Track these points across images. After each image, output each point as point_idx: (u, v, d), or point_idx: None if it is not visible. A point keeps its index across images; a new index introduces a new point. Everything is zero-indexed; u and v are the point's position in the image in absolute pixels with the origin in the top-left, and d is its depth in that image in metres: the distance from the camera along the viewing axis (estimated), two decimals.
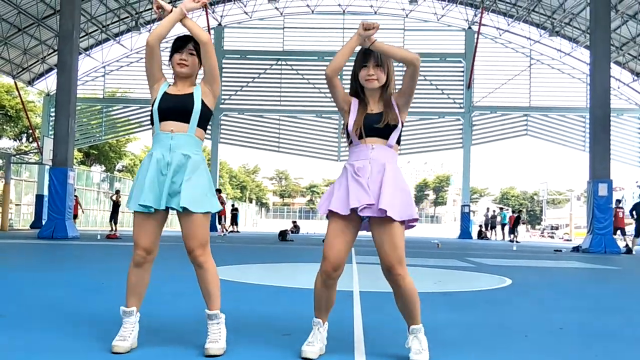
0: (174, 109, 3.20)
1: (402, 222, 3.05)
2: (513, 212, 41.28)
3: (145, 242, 3.16)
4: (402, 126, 3.18)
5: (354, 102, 3.24)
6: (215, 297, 3.20)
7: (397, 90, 3.25)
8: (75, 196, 24.30)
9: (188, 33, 3.38)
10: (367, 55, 3.16)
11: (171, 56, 3.31)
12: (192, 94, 3.25)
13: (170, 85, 3.34)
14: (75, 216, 24.07)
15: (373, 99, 3.21)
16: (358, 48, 3.21)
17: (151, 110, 3.27)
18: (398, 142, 3.19)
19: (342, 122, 3.28)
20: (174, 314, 4.41)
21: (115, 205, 25.60)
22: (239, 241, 18.91)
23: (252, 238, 23.37)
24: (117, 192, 27.07)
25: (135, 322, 3.21)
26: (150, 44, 3.31)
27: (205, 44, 3.25)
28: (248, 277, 7.08)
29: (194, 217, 3.13)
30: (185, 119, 3.20)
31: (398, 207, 3.00)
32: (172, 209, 3.17)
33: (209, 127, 25.45)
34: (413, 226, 3.13)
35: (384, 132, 3.11)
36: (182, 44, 3.31)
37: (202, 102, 3.24)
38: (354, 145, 3.17)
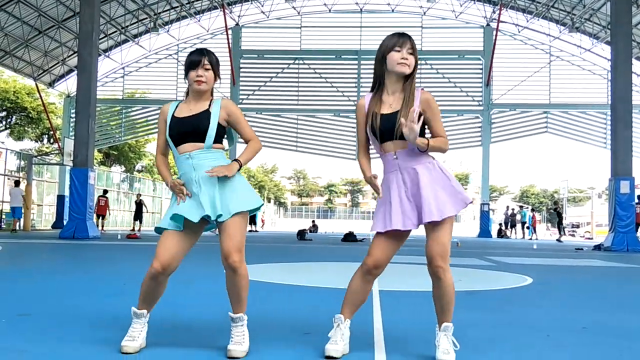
0: (187, 132, 3.15)
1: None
2: (533, 209, 40.88)
3: (164, 257, 3.08)
4: (423, 127, 3.07)
5: (367, 100, 3.16)
6: (243, 302, 3.17)
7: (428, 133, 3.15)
8: (106, 197, 24.68)
9: (200, 47, 3.35)
10: (403, 38, 3.05)
11: (187, 73, 3.21)
12: (207, 111, 3.19)
13: (180, 103, 3.28)
14: (103, 216, 24.50)
15: (394, 88, 3.10)
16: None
17: (165, 139, 3.25)
18: (422, 133, 3.07)
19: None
20: (192, 313, 4.43)
21: (139, 206, 25.97)
22: (258, 240, 18.97)
23: (271, 237, 23.43)
24: (139, 194, 27.65)
25: (145, 323, 3.19)
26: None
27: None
28: (268, 277, 7.09)
29: (231, 219, 3.08)
30: (200, 139, 3.14)
31: (440, 207, 3.00)
32: (209, 219, 3.13)
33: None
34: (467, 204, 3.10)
35: (401, 135, 3.03)
36: (196, 59, 3.19)
37: (218, 122, 3.18)
38: (373, 145, 3.16)
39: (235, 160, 3.16)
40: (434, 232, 3.03)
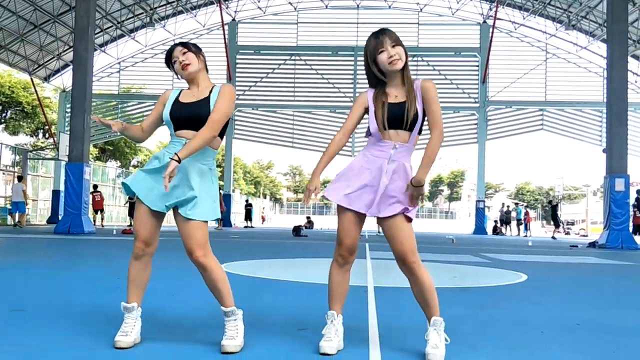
0: (188, 118, 3.15)
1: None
2: (527, 206, 40.96)
3: (144, 233, 3.14)
4: (424, 117, 3.08)
5: (369, 94, 3.17)
6: (226, 294, 3.13)
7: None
8: (99, 191, 24.73)
9: (176, 42, 3.43)
10: (381, 37, 3.07)
11: (172, 67, 3.29)
12: (208, 98, 3.18)
13: (182, 90, 3.30)
14: (101, 210, 24.55)
15: (395, 83, 3.11)
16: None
17: (153, 119, 3.27)
18: (420, 131, 3.11)
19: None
20: (188, 308, 4.43)
21: (132, 204, 25.97)
22: (253, 236, 18.97)
23: (266, 233, 23.43)
24: None
25: (137, 317, 3.18)
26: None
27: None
28: (263, 272, 7.10)
29: (191, 221, 3.08)
30: (200, 126, 3.13)
31: (408, 202, 3.04)
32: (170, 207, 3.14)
33: None
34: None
35: (406, 124, 3.05)
36: (170, 51, 3.29)
37: None
38: (374, 137, 3.10)
39: (174, 155, 3.01)
40: (400, 230, 3.03)
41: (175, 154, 2.98)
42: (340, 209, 3.10)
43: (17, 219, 21.76)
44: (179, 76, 3.28)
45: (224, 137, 3.37)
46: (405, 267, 3.06)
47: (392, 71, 3.07)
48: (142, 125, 3.38)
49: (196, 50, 3.28)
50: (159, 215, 3.17)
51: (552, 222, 29.33)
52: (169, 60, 3.28)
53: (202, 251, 3.07)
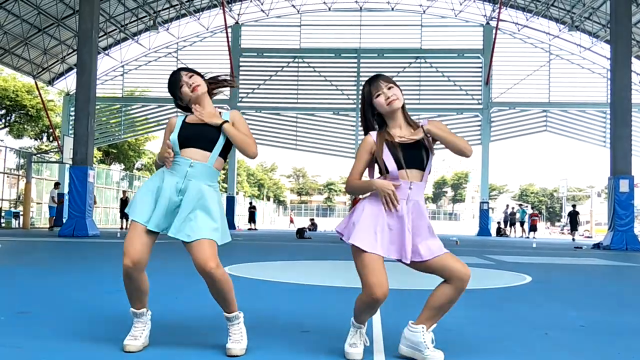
0: (194, 136, 3.15)
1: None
2: (533, 208, 40.88)
3: (134, 253, 3.02)
4: (433, 154, 3.09)
5: (374, 138, 3.10)
6: (231, 302, 3.10)
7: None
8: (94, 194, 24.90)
9: (178, 68, 3.40)
10: (375, 83, 3.08)
11: (177, 95, 3.27)
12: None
13: (187, 115, 3.28)
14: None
15: (397, 123, 3.10)
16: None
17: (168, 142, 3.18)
18: (428, 157, 3.09)
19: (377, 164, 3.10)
20: (191, 310, 4.44)
21: (124, 203, 26.14)
22: (257, 239, 18.98)
23: (270, 236, 23.44)
24: (125, 191, 28.53)
25: (147, 321, 3.18)
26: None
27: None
28: (266, 275, 7.10)
29: (200, 241, 3.03)
30: (209, 147, 3.13)
31: (431, 248, 3.04)
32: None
33: None
34: None
35: (421, 163, 3.04)
36: (175, 77, 3.27)
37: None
38: (390, 178, 3.02)
39: (225, 122, 3.17)
40: (445, 259, 3.05)
41: (226, 121, 3.17)
42: (366, 254, 2.96)
43: (52, 222, 23.52)
44: (184, 102, 3.28)
45: (227, 159, 3.38)
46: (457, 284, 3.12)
47: (392, 111, 3.07)
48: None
49: (199, 73, 3.32)
50: (153, 236, 3.11)
51: (569, 227, 29.64)
52: (175, 86, 3.25)
53: (214, 262, 3.00)
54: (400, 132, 3.08)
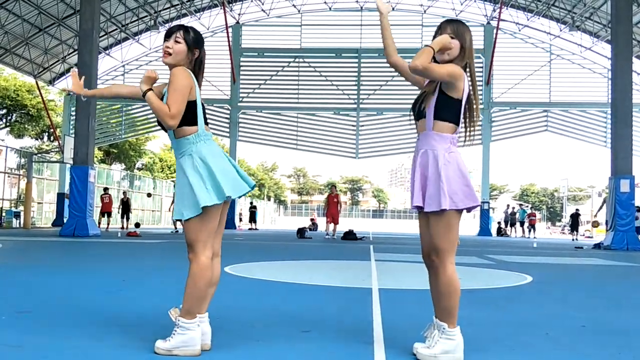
0: None
1: (442, 211, 2.98)
2: (532, 208, 40.88)
3: (215, 242, 3.07)
4: (446, 96, 3.01)
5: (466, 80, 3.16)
6: (184, 300, 3.01)
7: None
8: (109, 194, 24.95)
9: (181, 23, 3.29)
10: (443, 27, 3.08)
11: None
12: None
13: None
14: (109, 214, 24.72)
15: None
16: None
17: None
18: (450, 119, 3.04)
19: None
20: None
21: (125, 204, 26.14)
22: (258, 238, 18.98)
23: (271, 235, 23.45)
24: (125, 192, 28.47)
25: (206, 321, 3.13)
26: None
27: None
28: (267, 274, 7.10)
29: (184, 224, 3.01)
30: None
31: (427, 200, 3.03)
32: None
33: (226, 124, 25.03)
34: (468, 210, 3.08)
35: (422, 112, 3.08)
36: (170, 31, 3.06)
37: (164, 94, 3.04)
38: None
39: (149, 89, 2.99)
40: (429, 226, 3.09)
41: (150, 89, 2.97)
42: (459, 214, 3.05)
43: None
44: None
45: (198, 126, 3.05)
46: (425, 262, 3.16)
47: (442, 60, 3.07)
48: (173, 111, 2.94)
49: (193, 46, 3.06)
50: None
51: (570, 227, 30.16)
52: (166, 33, 3.09)
53: (189, 251, 3.00)
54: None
